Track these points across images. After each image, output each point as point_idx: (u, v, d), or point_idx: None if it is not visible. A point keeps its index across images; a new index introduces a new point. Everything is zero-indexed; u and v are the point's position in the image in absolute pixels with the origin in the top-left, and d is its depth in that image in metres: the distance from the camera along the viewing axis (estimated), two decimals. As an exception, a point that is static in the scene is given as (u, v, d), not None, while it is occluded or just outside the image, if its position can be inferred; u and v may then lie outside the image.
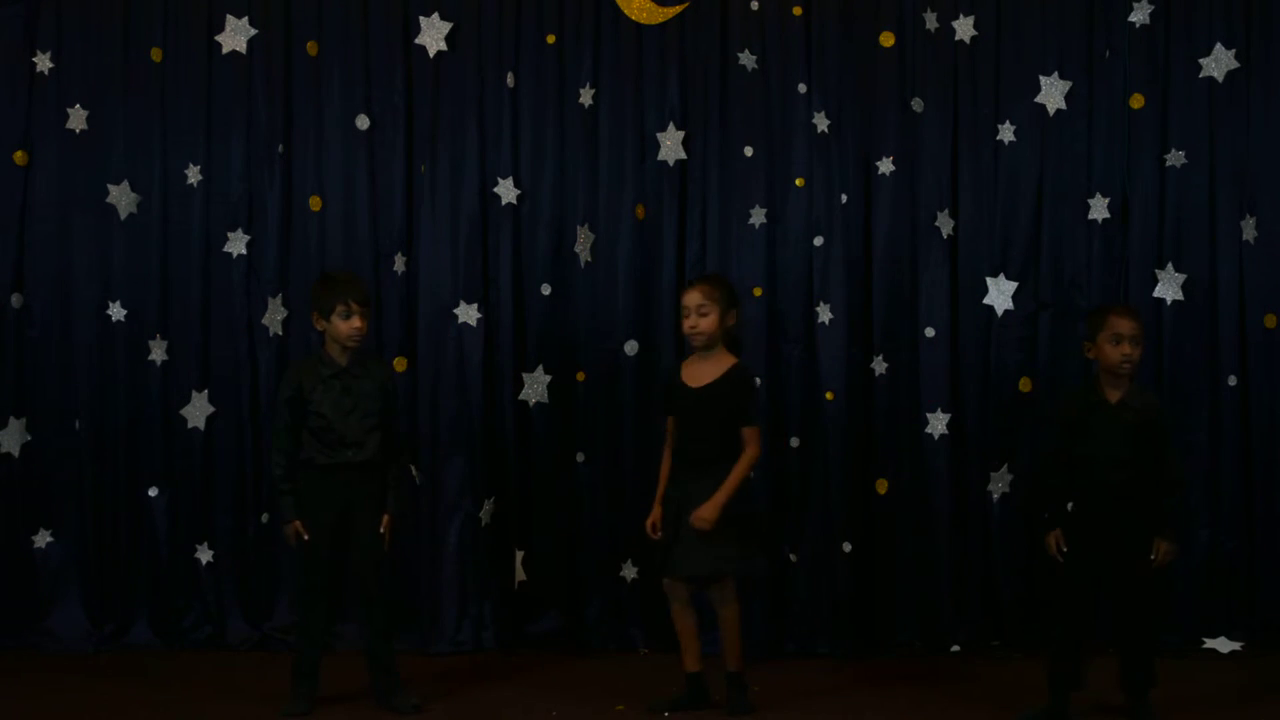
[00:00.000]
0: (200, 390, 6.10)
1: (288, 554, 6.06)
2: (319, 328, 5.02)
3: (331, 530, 4.97)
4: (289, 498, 4.98)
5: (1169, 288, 6.20)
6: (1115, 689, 4.89)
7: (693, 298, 5.06)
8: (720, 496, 4.89)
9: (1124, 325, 4.79)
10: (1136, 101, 6.21)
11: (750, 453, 4.97)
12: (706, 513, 4.87)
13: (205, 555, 6.09)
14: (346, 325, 4.95)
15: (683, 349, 6.12)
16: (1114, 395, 4.80)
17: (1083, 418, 4.84)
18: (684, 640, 5.06)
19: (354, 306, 4.95)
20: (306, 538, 4.95)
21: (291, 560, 6.05)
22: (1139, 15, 6.21)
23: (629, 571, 6.12)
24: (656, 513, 5.09)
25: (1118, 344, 4.77)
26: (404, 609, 5.92)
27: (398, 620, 5.55)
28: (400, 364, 6.05)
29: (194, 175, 6.12)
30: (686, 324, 5.07)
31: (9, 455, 6.05)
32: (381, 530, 5.02)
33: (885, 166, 6.18)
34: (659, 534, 5.07)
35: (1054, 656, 4.88)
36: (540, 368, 6.18)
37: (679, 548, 4.96)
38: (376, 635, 5.05)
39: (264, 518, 6.11)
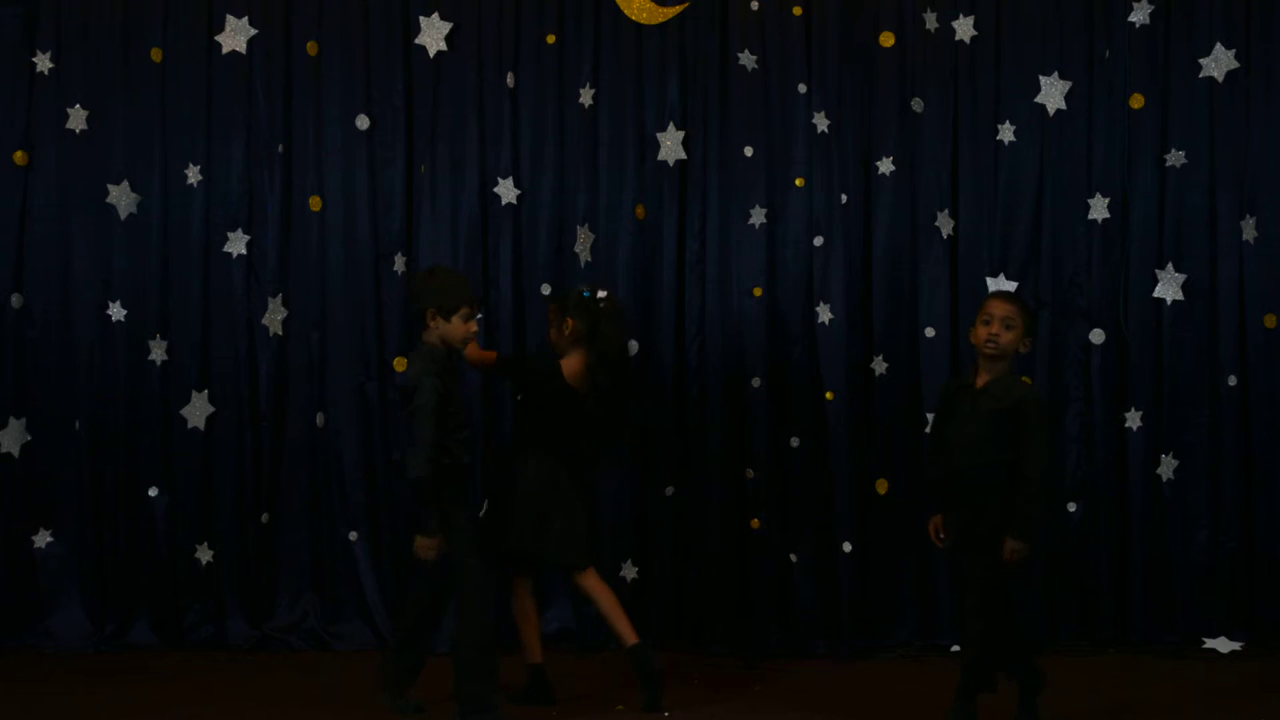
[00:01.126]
0: (200, 390, 6.09)
1: (288, 554, 6.09)
2: (431, 324, 4.93)
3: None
4: (434, 509, 4.81)
5: (1169, 288, 6.20)
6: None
7: None
8: None
9: (995, 307, 4.72)
10: (1136, 101, 6.21)
11: None
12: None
13: (205, 555, 6.08)
14: (465, 328, 4.95)
15: (683, 350, 6.15)
16: (981, 380, 4.73)
17: (949, 400, 4.83)
18: (520, 631, 5.25)
19: (474, 310, 4.99)
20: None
21: (291, 560, 6.09)
22: (1139, 15, 6.22)
23: (629, 571, 6.12)
24: None
25: (987, 324, 4.70)
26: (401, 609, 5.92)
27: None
28: (400, 364, 6.04)
29: (194, 175, 6.11)
30: None
31: (9, 455, 6.04)
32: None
33: (885, 166, 6.18)
34: None
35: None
36: (540, 368, 6.18)
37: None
38: (430, 636, 4.99)
39: (264, 517, 6.10)
